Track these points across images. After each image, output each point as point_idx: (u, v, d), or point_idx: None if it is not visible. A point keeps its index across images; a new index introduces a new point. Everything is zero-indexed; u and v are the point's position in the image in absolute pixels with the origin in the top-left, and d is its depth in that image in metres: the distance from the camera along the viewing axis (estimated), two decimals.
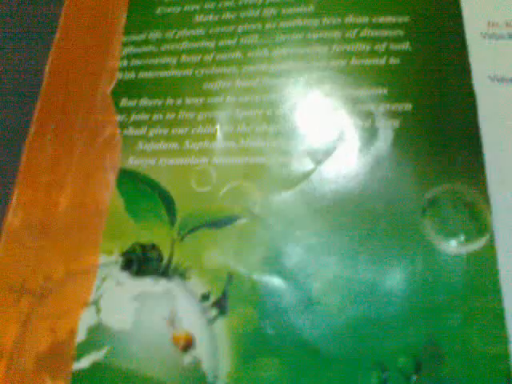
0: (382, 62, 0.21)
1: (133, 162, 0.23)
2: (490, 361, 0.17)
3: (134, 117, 0.23)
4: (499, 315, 0.18)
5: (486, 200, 0.19)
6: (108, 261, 0.21)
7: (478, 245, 0.19)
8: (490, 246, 0.19)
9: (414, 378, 0.17)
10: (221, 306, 0.20)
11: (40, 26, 0.29)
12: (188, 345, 0.19)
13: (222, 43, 0.24)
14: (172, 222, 0.21)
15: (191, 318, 0.20)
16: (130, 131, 0.23)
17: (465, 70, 0.21)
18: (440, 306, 0.18)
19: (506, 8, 0.23)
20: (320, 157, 0.21)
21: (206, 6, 0.24)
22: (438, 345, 0.18)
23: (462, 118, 0.20)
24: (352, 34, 0.22)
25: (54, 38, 0.26)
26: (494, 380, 0.17)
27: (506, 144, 0.19)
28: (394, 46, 0.22)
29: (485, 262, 0.18)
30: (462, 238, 0.19)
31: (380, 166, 0.20)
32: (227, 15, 0.24)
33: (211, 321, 0.20)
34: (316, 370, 0.18)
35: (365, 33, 0.22)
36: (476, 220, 0.19)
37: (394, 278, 0.19)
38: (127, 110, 0.23)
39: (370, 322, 0.18)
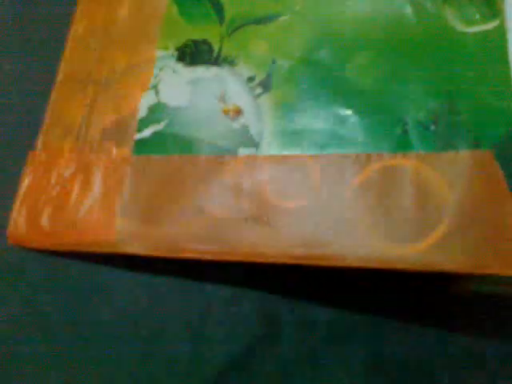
0: None
1: None
2: (497, 113, 0.20)
3: None
4: (506, 78, 0.21)
5: None
6: (164, 54, 0.24)
7: (491, 25, 0.22)
8: (501, 27, 0.21)
9: (433, 127, 0.21)
10: (265, 85, 0.23)
11: None
12: (237, 114, 0.23)
13: None
14: (221, 22, 0.24)
15: (239, 95, 0.23)
16: None
17: None
18: (457, 72, 0.21)
19: None
20: None
21: None
22: (453, 101, 0.21)
23: None
24: None
25: None
26: (500, 127, 0.20)
27: None
28: None
29: (496, 38, 0.21)
30: (479, 19, 0.22)
31: None
32: None
33: (256, 96, 0.23)
34: (347, 128, 0.21)
35: None
36: (490, 6, 0.22)
37: (418, 54, 0.22)
38: None
39: (395, 82, 0.21)
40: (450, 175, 0.20)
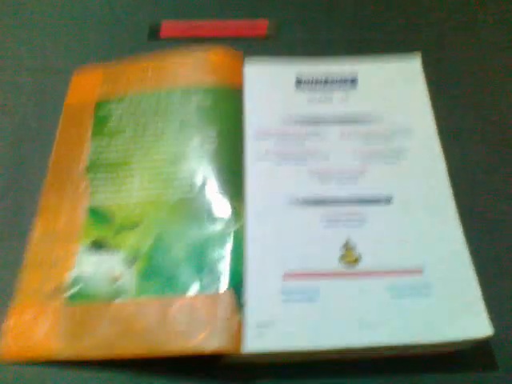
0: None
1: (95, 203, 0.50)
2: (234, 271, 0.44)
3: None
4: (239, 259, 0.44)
5: (243, 207, 0.46)
6: (82, 248, 0.47)
7: (236, 227, 0.46)
8: (242, 227, 0.46)
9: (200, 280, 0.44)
10: (132, 262, 0.46)
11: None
12: (117, 278, 0.45)
13: (137, 140, 0.51)
14: (111, 227, 0.48)
15: (120, 267, 0.46)
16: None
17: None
18: (209, 254, 0.45)
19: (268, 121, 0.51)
20: None
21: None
22: (208, 271, 0.44)
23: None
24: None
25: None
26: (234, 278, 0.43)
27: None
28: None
29: (239, 234, 0.45)
30: (229, 223, 0.46)
31: None
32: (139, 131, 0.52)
33: (128, 267, 0.46)
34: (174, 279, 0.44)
35: None
36: (236, 216, 0.46)
37: (182, 242, 0.45)
38: None
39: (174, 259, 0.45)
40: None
